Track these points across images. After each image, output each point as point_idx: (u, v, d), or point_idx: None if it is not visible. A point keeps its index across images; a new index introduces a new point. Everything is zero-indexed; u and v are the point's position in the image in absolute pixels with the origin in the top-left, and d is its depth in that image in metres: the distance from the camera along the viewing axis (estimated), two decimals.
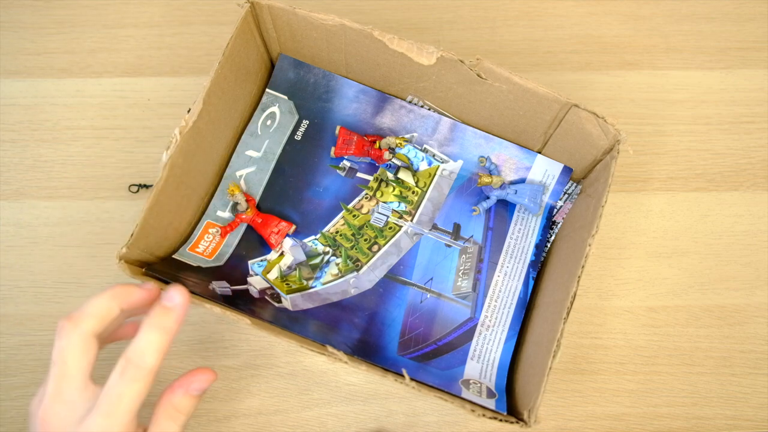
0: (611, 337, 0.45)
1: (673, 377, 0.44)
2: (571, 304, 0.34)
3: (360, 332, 0.41)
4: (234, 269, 0.42)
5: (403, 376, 0.32)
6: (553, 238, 0.44)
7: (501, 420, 0.33)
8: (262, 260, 0.42)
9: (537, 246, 0.43)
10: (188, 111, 0.36)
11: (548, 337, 0.34)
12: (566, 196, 0.44)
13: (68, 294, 0.44)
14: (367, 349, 0.40)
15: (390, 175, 0.44)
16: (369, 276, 0.42)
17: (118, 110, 0.49)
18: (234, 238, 0.43)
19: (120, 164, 0.47)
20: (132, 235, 0.35)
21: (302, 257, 0.42)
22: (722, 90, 0.50)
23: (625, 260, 0.47)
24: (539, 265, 0.43)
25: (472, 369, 0.40)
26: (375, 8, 0.52)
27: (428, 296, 0.42)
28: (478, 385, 0.39)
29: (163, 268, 0.38)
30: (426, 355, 0.41)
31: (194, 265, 0.40)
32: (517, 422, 0.33)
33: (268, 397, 0.43)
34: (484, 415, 0.33)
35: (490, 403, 0.37)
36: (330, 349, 0.33)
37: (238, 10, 0.39)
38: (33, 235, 0.46)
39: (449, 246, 0.43)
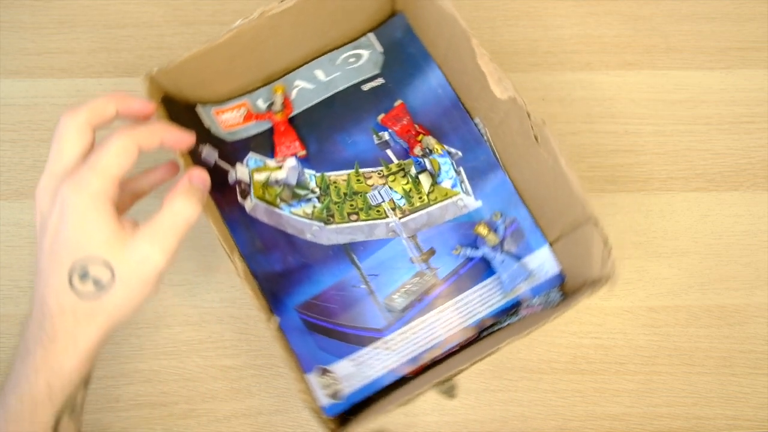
0: (611, 337, 0.45)
1: (673, 377, 0.44)
2: (443, 382, 0.34)
3: (283, 268, 0.41)
4: (233, 151, 0.42)
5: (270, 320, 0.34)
6: (504, 325, 0.41)
7: (319, 420, 0.34)
8: (261, 159, 0.43)
9: (481, 320, 0.41)
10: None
11: (407, 390, 0.36)
12: (545, 298, 0.41)
13: None
14: (275, 284, 0.40)
15: (413, 171, 0.43)
16: (330, 235, 0.42)
17: None
18: (254, 129, 0.44)
19: None
20: (170, 62, 0.36)
21: (293, 182, 0.43)
22: (722, 90, 0.50)
23: (625, 260, 0.47)
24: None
25: (342, 367, 0.40)
26: None
27: (362, 286, 0.41)
28: (334, 381, 0.39)
29: (178, 110, 0.40)
30: (317, 327, 0.40)
31: (206, 126, 0.42)
32: (334, 429, 0.34)
33: (268, 397, 0.43)
34: (311, 409, 0.34)
35: (326, 401, 0.38)
36: (236, 257, 0.34)
37: None
38: (33, 235, 0.45)
39: (412, 261, 0.42)
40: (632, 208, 0.47)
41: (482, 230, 0.42)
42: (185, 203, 0.31)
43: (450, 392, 0.43)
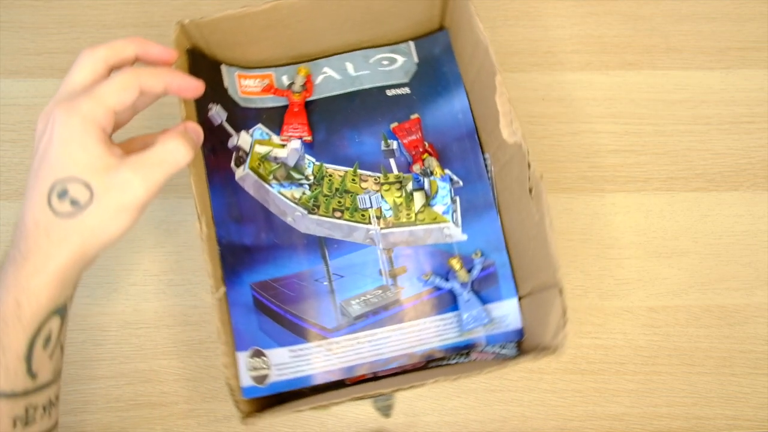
0: (611, 337, 0.45)
1: (673, 377, 0.44)
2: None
3: (252, 243, 0.41)
4: (242, 118, 0.43)
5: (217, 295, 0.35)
6: (451, 362, 0.41)
7: (234, 399, 0.34)
8: (267, 133, 0.43)
9: (431, 350, 0.40)
10: None
11: (328, 397, 0.36)
12: (499, 348, 0.41)
13: None
14: (238, 257, 0.40)
15: (410, 186, 0.43)
16: (310, 224, 0.42)
17: None
18: (269, 102, 0.44)
19: None
20: (205, 16, 0.37)
21: (291, 163, 0.43)
22: (722, 90, 0.50)
23: (625, 260, 0.47)
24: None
25: (278, 355, 0.39)
26: None
27: (324, 283, 0.41)
28: (263, 366, 0.38)
29: (202, 65, 0.41)
30: (266, 309, 0.40)
31: (224, 85, 0.43)
32: (246, 413, 0.34)
33: None
34: (230, 386, 0.34)
35: (248, 383, 0.38)
36: (204, 219, 0.35)
37: None
38: None
39: (380, 274, 0.41)
40: (632, 208, 0.47)
41: (455, 264, 0.41)
42: (178, 145, 0.31)
43: (386, 411, 0.43)
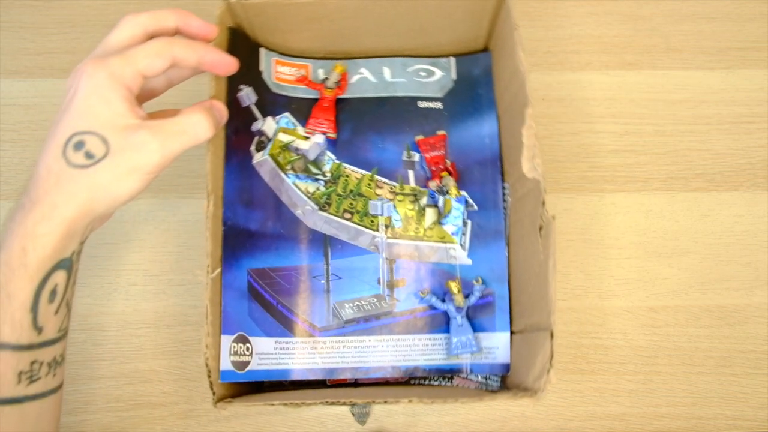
0: (611, 337, 0.45)
1: (673, 377, 0.44)
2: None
3: (257, 229, 0.41)
4: (271, 103, 0.43)
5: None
6: (433, 383, 0.41)
7: (211, 379, 0.34)
8: (293, 123, 0.43)
9: (415, 368, 0.40)
10: None
11: (303, 396, 0.36)
12: (483, 380, 0.41)
13: None
14: (240, 241, 0.40)
15: (424, 201, 0.42)
16: (318, 221, 0.41)
17: None
18: (301, 92, 0.44)
19: None
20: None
21: (311, 157, 0.43)
22: (722, 90, 0.50)
23: (625, 260, 0.47)
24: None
25: (263, 344, 0.39)
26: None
27: (322, 281, 0.41)
28: (246, 354, 0.38)
29: (241, 45, 0.41)
30: (259, 297, 0.40)
31: (260, 68, 0.43)
32: (219, 396, 0.35)
33: None
34: (209, 366, 0.34)
35: (227, 367, 0.38)
36: (213, 198, 0.36)
37: None
38: None
39: (378, 282, 0.41)
40: (632, 208, 0.47)
41: (454, 287, 0.40)
42: (201, 119, 0.32)
43: (361, 418, 0.43)
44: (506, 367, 0.40)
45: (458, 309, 0.40)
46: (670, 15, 0.51)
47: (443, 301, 0.41)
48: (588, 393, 0.44)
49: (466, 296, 0.41)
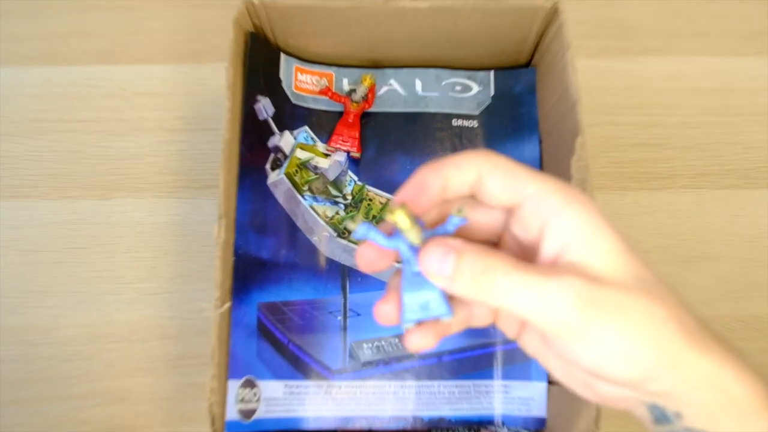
0: None
1: None
2: None
3: (269, 258, 0.38)
4: (289, 115, 0.41)
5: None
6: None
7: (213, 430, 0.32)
8: (312, 138, 0.41)
9: (440, 418, 0.37)
10: None
11: None
12: None
13: (32, 304, 0.41)
14: (250, 271, 0.37)
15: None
16: (336, 249, 0.38)
17: (89, 101, 0.46)
18: (323, 105, 0.42)
19: (91, 160, 0.44)
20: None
21: (331, 177, 0.40)
22: (754, 78, 0.47)
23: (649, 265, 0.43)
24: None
25: (271, 388, 0.36)
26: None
27: (338, 318, 0.38)
28: (253, 399, 0.36)
29: (259, 50, 0.39)
30: (269, 335, 0.37)
31: (279, 76, 0.41)
32: None
33: None
34: (212, 414, 0.32)
35: (233, 416, 0.35)
36: (224, 222, 0.33)
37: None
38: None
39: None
40: (657, 208, 0.45)
41: (399, 217, 0.22)
42: None
43: None
44: (542, 422, 0.37)
45: (414, 248, 0.24)
46: None
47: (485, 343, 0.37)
48: None
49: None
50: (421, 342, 0.23)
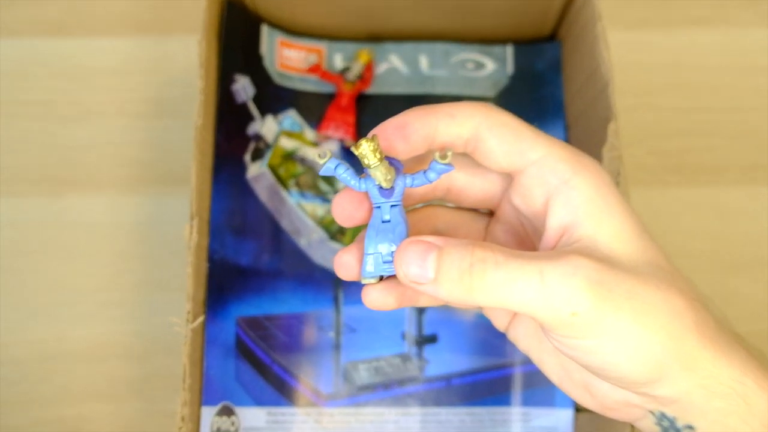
0: None
1: None
2: None
3: (249, 264, 0.36)
4: (272, 97, 0.38)
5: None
6: None
7: None
8: (300, 124, 0.39)
9: None
10: None
11: None
12: None
13: None
14: (227, 280, 0.36)
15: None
16: (327, 254, 0.37)
17: (37, 80, 0.43)
18: (311, 85, 0.39)
19: (39, 150, 0.42)
20: None
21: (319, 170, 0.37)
22: None
23: (692, 273, 0.39)
24: None
25: (251, 416, 0.35)
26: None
27: (330, 334, 0.36)
28: (230, 429, 0.34)
29: (237, 20, 0.37)
30: (249, 354, 0.35)
31: (260, 52, 0.39)
32: None
33: None
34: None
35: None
36: (196, 222, 0.31)
37: None
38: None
39: (403, 338, 0.37)
40: (703, 206, 0.42)
41: (366, 150, 0.20)
42: None
43: None
44: None
45: (383, 191, 0.22)
46: None
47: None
48: None
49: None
50: (379, 299, 0.21)
